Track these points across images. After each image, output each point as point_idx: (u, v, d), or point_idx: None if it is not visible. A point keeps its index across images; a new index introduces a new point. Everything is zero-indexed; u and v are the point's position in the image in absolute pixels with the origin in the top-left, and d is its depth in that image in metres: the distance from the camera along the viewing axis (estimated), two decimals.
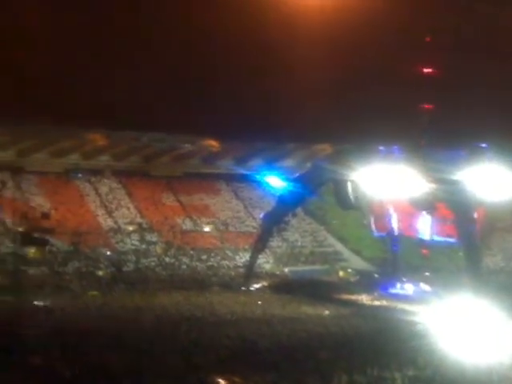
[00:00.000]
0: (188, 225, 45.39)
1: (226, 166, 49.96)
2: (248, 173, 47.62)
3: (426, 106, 43.34)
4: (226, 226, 45.98)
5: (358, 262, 43.86)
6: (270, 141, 49.07)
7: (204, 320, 26.79)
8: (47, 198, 43.40)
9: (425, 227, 38.23)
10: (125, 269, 39.02)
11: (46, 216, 34.66)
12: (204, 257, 42.17)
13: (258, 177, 45.19)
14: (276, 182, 40.97)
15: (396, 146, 38.34)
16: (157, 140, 48.98)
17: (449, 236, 36.54)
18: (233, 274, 40.39)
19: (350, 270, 42.21)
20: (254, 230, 43.84)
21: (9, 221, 38.43)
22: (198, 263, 41.49)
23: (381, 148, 38.29)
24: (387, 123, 41.02)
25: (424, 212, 36.59)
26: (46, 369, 17.78)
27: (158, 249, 41.90)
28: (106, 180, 46.89)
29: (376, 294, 35.95)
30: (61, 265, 37.65)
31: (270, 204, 41.94)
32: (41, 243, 33.79)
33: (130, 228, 43.26)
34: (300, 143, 50.45)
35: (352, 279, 41.15)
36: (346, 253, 45.21)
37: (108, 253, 40.10)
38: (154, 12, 45.81)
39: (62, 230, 38.40)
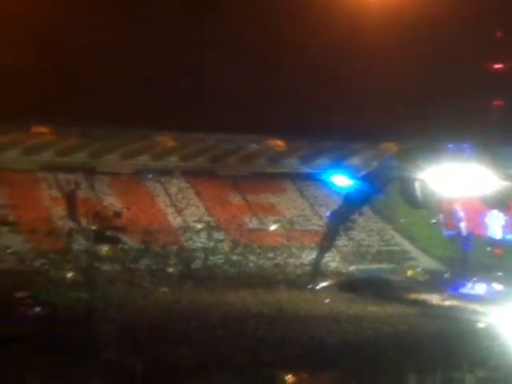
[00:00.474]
0: (254, 223, 45.81)
1: (292, 164, 50.10)
2: (314, 171, 47.59)
3: (497, 103, 42.21)
4: (292, 225, 46.11)
5: (427, 262, 43.14)
6: (337, 140, 48.88)
7: (271, 317, 26.99)
8: (119, 197, 44.74)
9: (496, 226, 37.27)
10: (193, 266, 39.75)
11: (117, 215, 35.78)
12: (270, 255, 42.45)
13: (323, 175, 45.08)
14: (342, 181, 40.76)
15: (466, 143, 37.52)
16: (224, 141, 49.69)
17: None
18: (299, 272, 40.49)
19: (418, 270, 41.57)
20: (320, 229, 43.79)
21: (83, 220, 39.75)
22: (264, 261, 41.80)
23: (450, 146, 37.55)
24: (457, 121, 40.18)
25: (496, 210, 35.66)
26: (118, 363, 18.34)
27: (226, 246, 42.47)
28: (175, 180, 47.94)
29: (446, 293, 35.26)
30: (132, 262, 38.69)
31: (336, 202, 41.75)
32: (113, 241, 34.81)
33: (199, 226, 44.05)
34: (367, 142, 50.02)
35: (421, 278, 40.49)
36: (414, 252, 44.56)
37: (177, 250, 40.96)
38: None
39: (134, 228, 39.47)
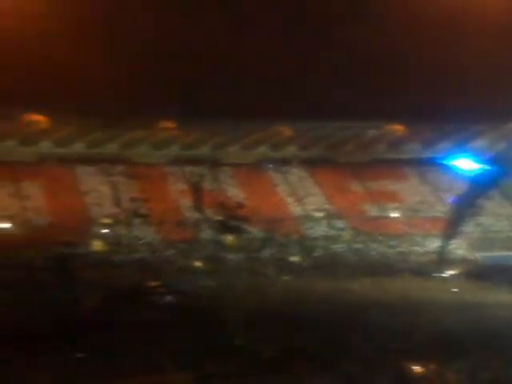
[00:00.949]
0: (375, 211, 45.40)
1: (413, 150, 49.05)
2: (436, 156, 46.33)
3: None
4: (415, 212, 45.25)
5: None
6: (460, 122, 47.22)
7: (396, 306, 26.75)
8: (241, 188, 45.93)
9: None
10: (315, 254, 40.08)
11: (240, 205, 36.87)
12: (393, 243, 41.95)
13: (446, 160, 43.80)
14: (467, 165, 39.45)
15: None
16: (341, 128, 49.46)
17: None
18: (423, 259, 39.72)
19: None
20: (444, 215, 42.63)
21: (208, 210, 41.21)
22: (386, 249, 41.40)
23: None
24: None
25: None
26: (249, 350, 18.96)
27: (347, 235, 42.46)
28: (295, 169, 48.41)
29: None
30: (256, 251, 39.64)
31: (461, 187, 40.49)
32: (237, 231, 35.89)
33: (319, 215, 44.30)
34: (492, 123, 47.93)
35: None
36: None
37: (299, 239, 41.48)
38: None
39: (256, 218, 40.41)
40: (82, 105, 40.11)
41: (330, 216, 44.26)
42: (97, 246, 39.26)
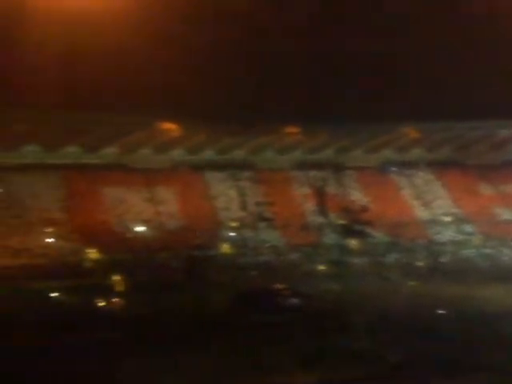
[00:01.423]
0: (507, 215, 43.53)
1: None
2: None
3: None
4: None
5: None
6: None
7: None
8: (365, 191, 45.75)
9: None
10: (442, 259, 39.13)
11: (364, 209, 36.84)
12: None
13: None
14: None
15: None
16: (471, 128, 47.83)
17: None
18: None
19: None
20: None
21: (332, 214, 41.42)
22: None
23: None
24: None
25: None
26: (372, 354, 19.02)
27: (476, 239, 41.09)
28: (421, 172, 47.49)
29: None
30: (381, 255, 39.34)
31: None
32: (361, 235, 35.84)
33: (447, 219, 43.20)
34: None
35: None
36: None
37: (425, 244, 40.68)
38: None
39: (381, 222, 40.11)
40: (212, 113, 41.66)
41: (458, 220, 43.04)
42: (225, 248, 40.62)
